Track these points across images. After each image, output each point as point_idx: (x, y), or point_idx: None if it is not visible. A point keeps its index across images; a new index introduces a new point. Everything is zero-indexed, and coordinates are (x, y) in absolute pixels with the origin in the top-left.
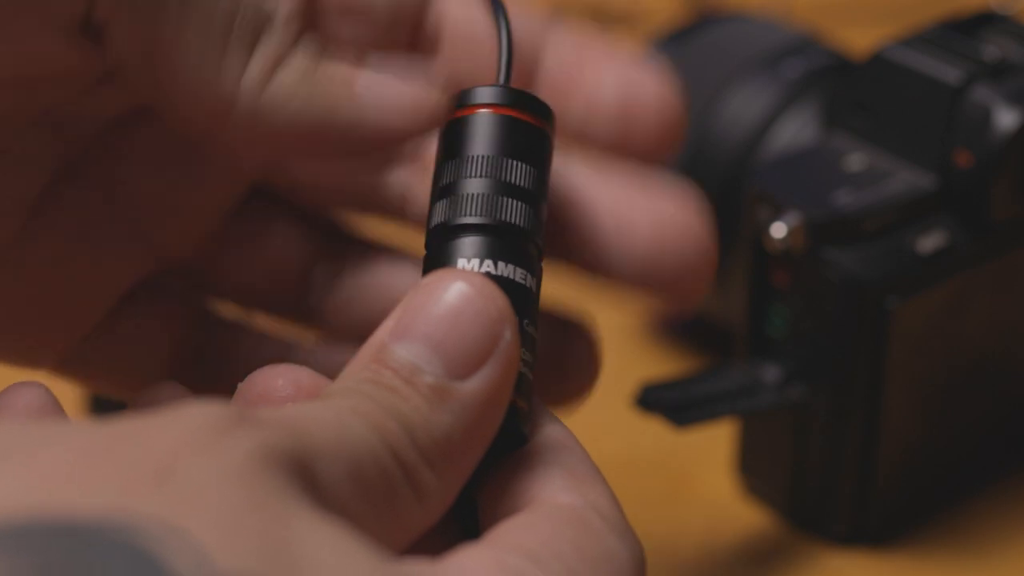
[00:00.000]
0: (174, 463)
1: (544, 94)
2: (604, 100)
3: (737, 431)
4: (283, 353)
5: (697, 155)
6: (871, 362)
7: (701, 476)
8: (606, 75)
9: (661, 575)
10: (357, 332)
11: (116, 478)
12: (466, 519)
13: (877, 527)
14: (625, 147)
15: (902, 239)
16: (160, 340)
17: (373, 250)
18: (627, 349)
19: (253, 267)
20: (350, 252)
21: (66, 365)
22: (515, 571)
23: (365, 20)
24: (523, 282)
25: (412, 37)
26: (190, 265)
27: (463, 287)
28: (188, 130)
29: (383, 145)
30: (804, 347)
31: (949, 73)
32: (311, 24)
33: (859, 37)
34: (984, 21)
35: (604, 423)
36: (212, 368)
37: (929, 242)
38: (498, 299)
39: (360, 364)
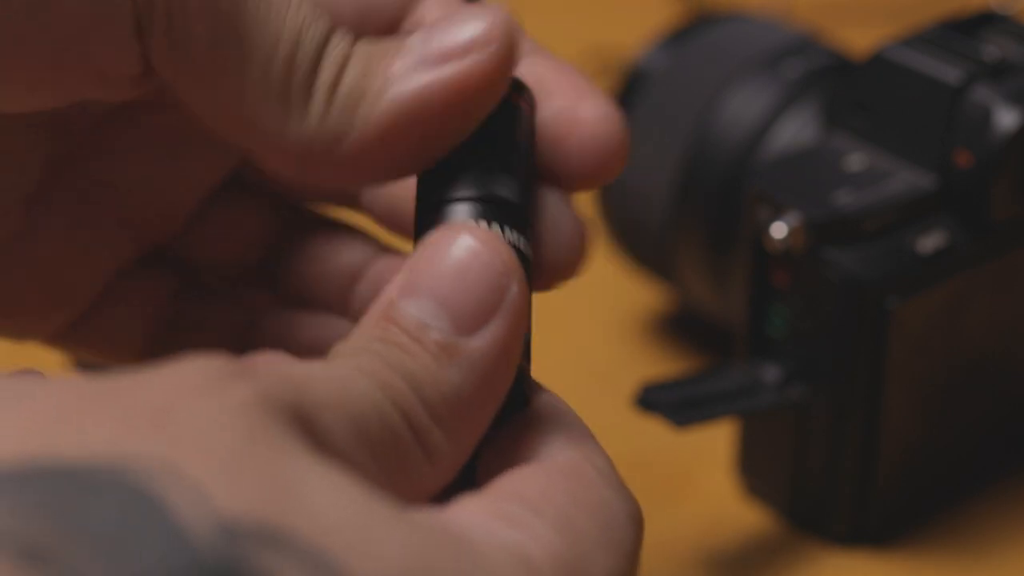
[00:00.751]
0: (172, 406)
1: None
2: (545, 128)
3: (737, 431)
4: (254, 321)
5: (697, 155)
6: (871, 362)
7: (701, 476)
8: (553, 102)
9: (661, 574)
10: (313, 303)
11: (112, 421)
12: (465, 475)
13: (877, 527)
14: (562, 172)
15: (902, 239)
16: (142, 316)
17: (327, 226)
18: (627, 349)
19: (225, 247)
20: (308, 229)
21: (56, 339)
22: (510, 517)
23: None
24: (523, 248)
25: None
26: (168, 247)
27: (469, 241)
28: (273, 173)
29: (477, 97)
30: (804, 347)
31: (949, 73)
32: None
33: (859, 37)
34: (984, 21)
35: (604, 423)
36: (192, 338)
37: (929, 242)
38: (504, 252)
39: (370, 322)
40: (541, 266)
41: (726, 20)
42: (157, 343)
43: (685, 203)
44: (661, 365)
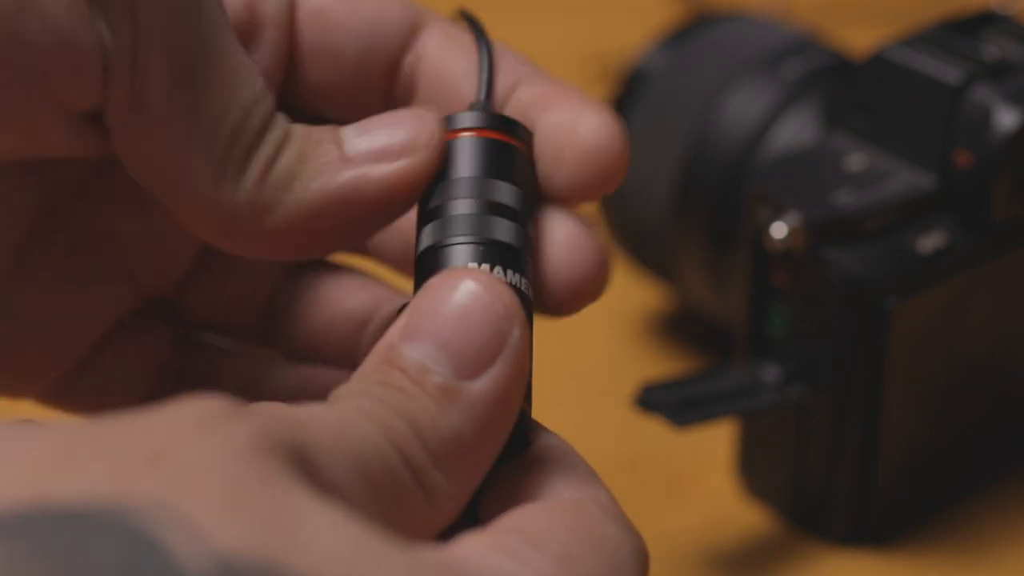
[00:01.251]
0: (169, 447)
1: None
2: (545, 142)
3: (737, 431)
4: (259, 375)
5: (697, 155)
6: (871, 362)
7: (701, 476)
8: (552, 116)
9: (661, 574)
10: (320, 352)
11: (109, 463)
12: (468, 516)
13: (877, 527)
14: (563, 185)
15: (902, 239)
16: (142, 370)
17: (331, 272)
18: (627, 349)
19: (223, 297)
20: (310, 276)
21: (50, 396)
22: (511, 551)
23: (334, 65)
24: (524, 290)
25: (387, 80)
26: (168, 297)
27: (471, 285)
28: (195, 233)
29: (400, 197)
30: (804, 347)
31: (949, 73)
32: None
33: (859, 37)
34: (984, 21)
35: (604, 423)
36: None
37: (929, 242)
38: (506, 296)
39: (370, 367)
40: (562, 291)
41: (726, 20)
42: (157, 400)
43: (685, 203)
44: (661, 365)
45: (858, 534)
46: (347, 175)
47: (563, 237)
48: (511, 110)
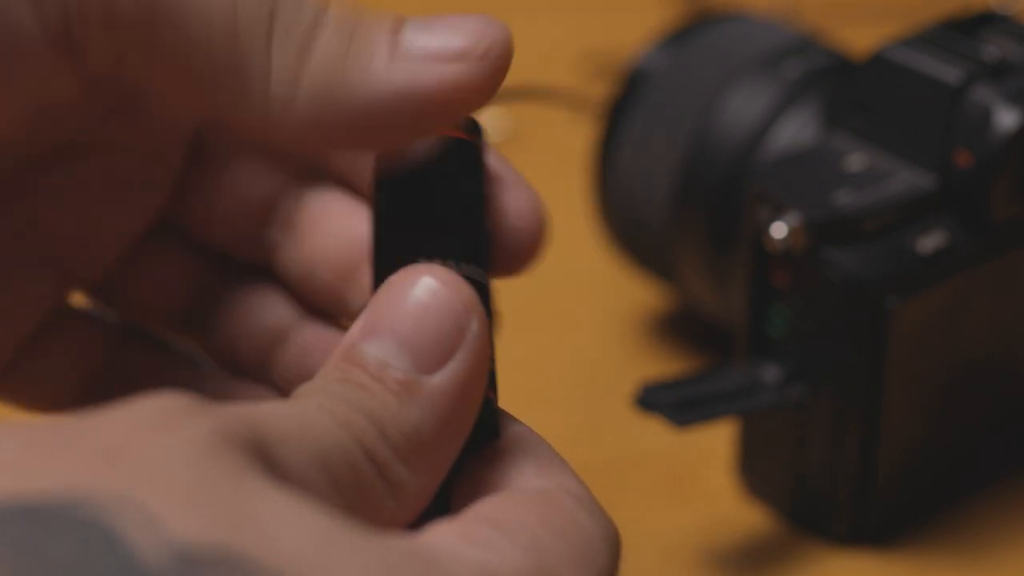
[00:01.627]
0: (128, 443)
1: None
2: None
3: (737, 431)
4: (191, 370)
5: (697, 155)
6: (871, 362)
7: (701, 476)
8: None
9: (661, 574)
10: (236, 357)
11: (68, 460)
12: (438, 507)
13: (877, 527)
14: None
15: (902, 239)
16: (76, 361)
17: (262, 285)
18: (627, 349)
19: (152, 294)
20: (241, 285)
21: None
22: (479, 539)
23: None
24: (482, 280)
25: None
26: (99, 289)
27: (429, 281)
28: (232, 133)
29: (452, 110)
30: (804, 347)
31: (949, 73)
32: None
33: (859, 37)
34: (984, 21)
35: (604, 423)
36: (126, 386)
37: (929, 242)
38: (464, 291)
39: (331, 366)
40: (503, 254)
41: (726, 20)
42: (91, 394)
43: (685, 203)
44: (661, 365)
45: (858, 534)
46: (398, 75)
47: (510, 207)
48: None
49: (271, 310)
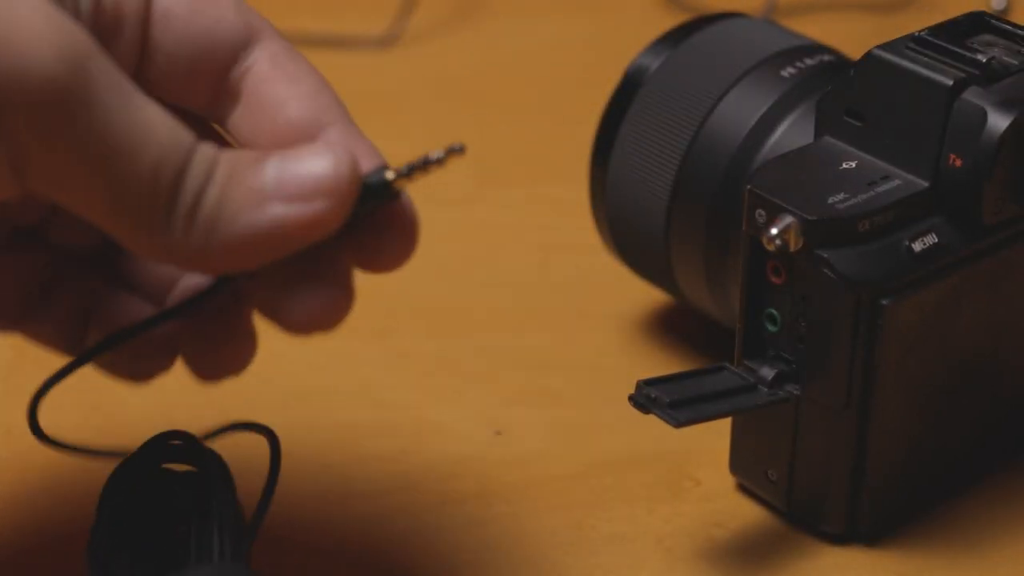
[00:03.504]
0: None
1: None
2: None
3: (731, 429)
4: (96, 303)
5: (694, 156)
6: (865, 361)
7: (700, 472)
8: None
9: (659, 572)
10: (150, 285)
11: None
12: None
13: (871, 525)
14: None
15: (896, 240)
16: (16, 286)
17: None
18: (626, 349)
19: (73, 234)
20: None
21: None
22: None
23: (171, 65)
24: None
25: (216, 86)
26: (34, 228)
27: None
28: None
29: (311, 238)
30: (799, 346)
31: (942, 75)
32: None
33: (853, 37)
34: (978, 23)
35: (604, 421)
36: (51, 313)
37: (923, 243)
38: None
39: None
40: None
41: (724, 21)
42: (28, 313)
43: (682, 203)
44: (661, 365)
45: (852, 532)
46: (264, 216)
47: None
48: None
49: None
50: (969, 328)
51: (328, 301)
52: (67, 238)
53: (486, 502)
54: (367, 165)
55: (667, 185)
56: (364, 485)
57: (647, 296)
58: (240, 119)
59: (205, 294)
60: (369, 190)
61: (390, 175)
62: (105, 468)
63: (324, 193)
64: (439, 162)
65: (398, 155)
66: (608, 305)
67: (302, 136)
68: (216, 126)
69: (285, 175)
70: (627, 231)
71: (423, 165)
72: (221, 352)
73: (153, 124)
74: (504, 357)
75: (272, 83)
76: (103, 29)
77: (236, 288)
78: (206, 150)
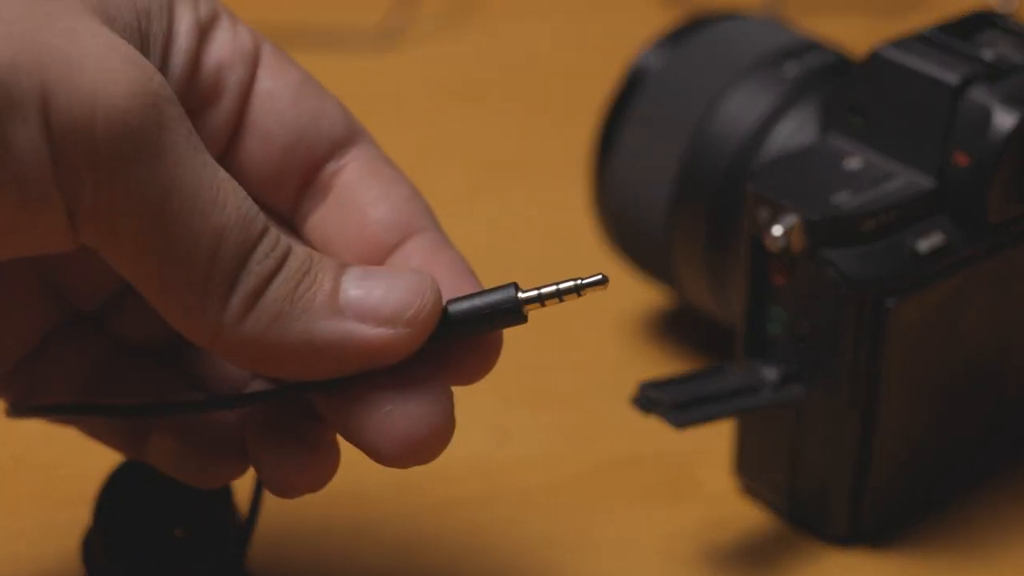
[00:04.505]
0: None
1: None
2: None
3: (735, 431)
4: (170, 389)
5: (696, 155)
6: (869, 362)
7: (701, 476)
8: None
9: (661, 573)
10: (215, 381)
11: None
12: None
13: (874, 527)
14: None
15: (900, 239)
16: (69, 381)
17: None
18: (627, 349)
19: (144, 319)
20: None
21: None
22: None
23: (264, 147)
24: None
25: (305, 179)
26: (95, 315)
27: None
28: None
29: (379, 359)
30: (802, 347)
31: (948, 73)
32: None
33: (855, 36)
34: (983, 21)
35: (605, 422)
36: (114, 395)
37: (927, 242)
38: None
39: None
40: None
41: (725, 20)
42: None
43: (684, 203)
44: (661, 365)
45: (855, 534)
46: (335, 327)
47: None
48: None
49: None
50: (974, 328)
51: (425, 420)
52: (128, 328)
53: (487, 505)
54: (450, 280)
55: (669, 184)
56: (364, 488)
57: (647, 296)
58: (324, 218)
59: (269, 394)
60: (497, 312)
61: (523, 296)
62: (103, 470)
63: (403, 320)
64: (577, 291)
65: (398, 154)
66: (608, 305)
67: (390, 240)
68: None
69: (366, 290)
70: (628, 230)
71: (558, 294)
72: (297, 466)
73: (224, 189)
74: (504, 358)
75: (366, 184)
76: (198, 94)
77: (307, 400)
78: (280, 237)
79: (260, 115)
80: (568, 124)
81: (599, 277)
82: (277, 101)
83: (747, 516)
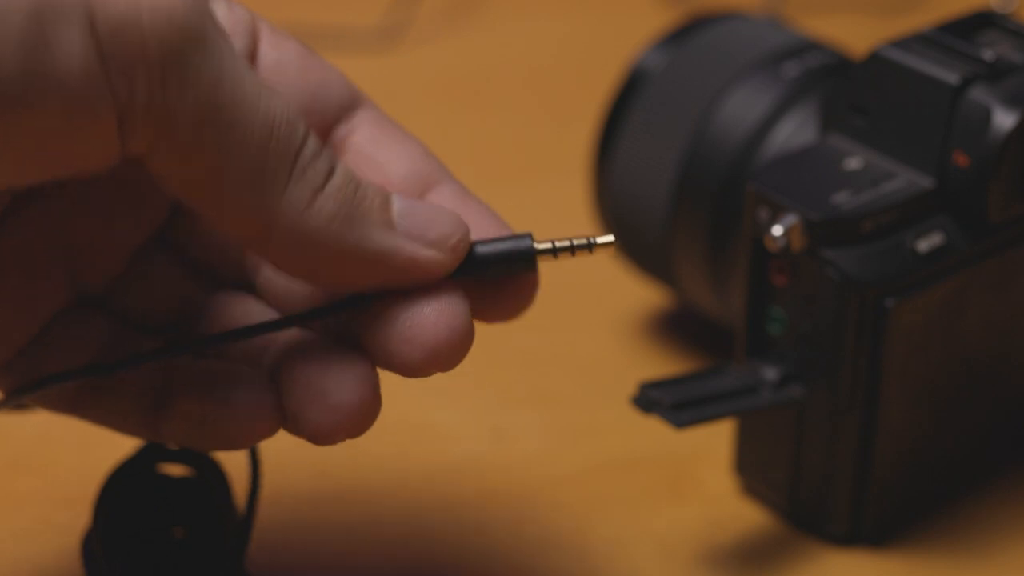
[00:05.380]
0: None
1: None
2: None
3: (735, 431)
4: (176, 377)
5: (696, 155)
6: (869, 362)
7: (701, 476)
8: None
9: (661, 573)
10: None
11: None
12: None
13: (874, 527)
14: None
15: (900, 239)
16: (81, 356)
17: (241, 297)
18: (627, 349)
19: (150, 301)
20: (230, 297)
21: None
22: None
23: None
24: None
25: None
26: (104, 295)
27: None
28: (226, 237)
29: (416, 278)
30: (802, 347)
31: (948, 73)
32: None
33: (855, 36)
34: (983, 21)
35: (604, 422)
36: (118, 387)
37: (927, 242)
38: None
39: None
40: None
41: (725, 20)
42: (88, 388)
43: (684, 203)
44: (661, 365)
45: (855, 534)
46: (389, 240)
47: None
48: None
49: (259, 319)
50: (974, 328)
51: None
52: (135, 305)
53: (485, 504)
54: (478, 224)
55: (669, 184)
56: (362, 487)
57: (647, 296)
58: None
59: (287, 320)
60: (511, 256)
61: (539, 247)
62: (102, 470)
63: (447, 246)
64: (588, 248)
65: None
66: (608, 305)
67: (414, 194)
68: None
69: (414, 214)
70: (628, 230)
71: (571, 248)
72: (335, 408)
73: (265, 85)
74: (503, 358)
75: (378, 144)
76: None
77: (343, 335)
78: (326, 146)
79: (270, 83)
80: (568, 124)
81: (610, 238)
82: (284, 71)
83: (747, 516)
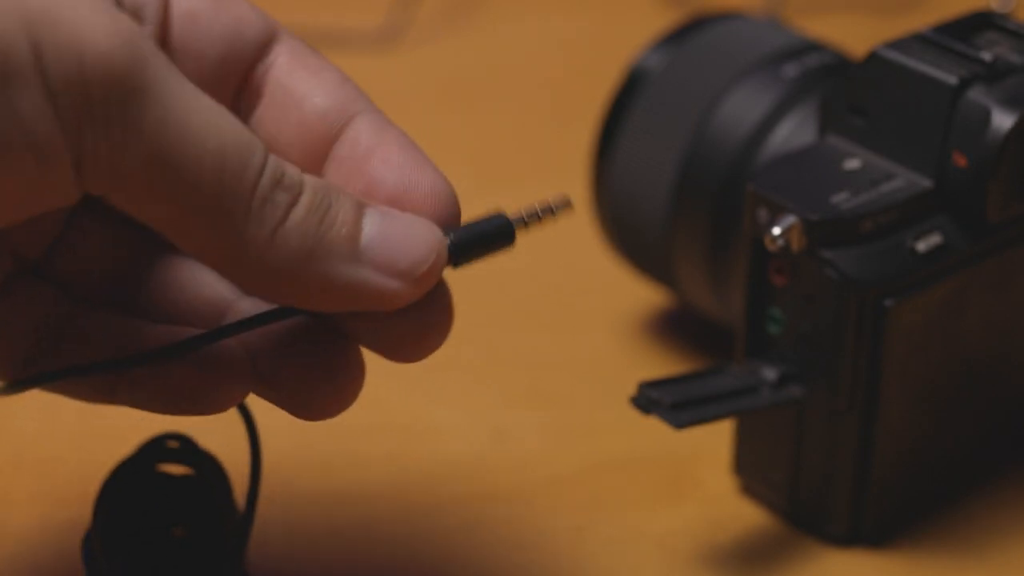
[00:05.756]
0: None
1: (334, 170)
2: (383, 188)
3: (735, 431)
4: (134, 332)
5: (696, 155)
6: (868, 362)
7: (701, 476)
8: (389, 166)
9: (660, 573)
10: (180, 319)
11: None
12: None
13: (874, 527)
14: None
15: (900, 239)
16: (23, 329)
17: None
18: (626, 349)
19: (89, 265)
20: (171, 256)
21: None
22: None
23: (198, 65)
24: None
25: (240, 85)
26: (39, 260)
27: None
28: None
29: (383, 307)
30: (802, 347)
31: (947, 74)
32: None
33: (854, 36)
34: (982, 22)
35: (604, 422)
36: (72, 347)
37: (926, 242)
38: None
39: None
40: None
41: (725, 20)
42: (36, 357)
43: (684, 203)
44: (661, 365)
45: (856, 534)
46: (354, 274)
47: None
48: (342, 150)
49: (210, 285)
50: (974, 328)
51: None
52: (73, 271)
53: (485, 504)
54: (397, 155)
55: (668, 184)
56: (361, 487)
57: (647, 296)
58: (263, 119)
59: (265, 317)
60: (489, 235)
61: (514, 219)
62: (102, 470)
63: (416, 275)
64: (552, 212)
65: None
66: (608, 305)
67: (332, 127)
68: None
69: (385, 238)
70: (628, 230)
71: (539, 215)
72: (324, 388)
73: (215, 113)
74: (503, 357)
75: (296, 77)
76: None
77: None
78: (290, 167)
79: (185, 38)
80: (568, 124)
81: (567, 198)
82: (197, 20)
83: (747, 516)
